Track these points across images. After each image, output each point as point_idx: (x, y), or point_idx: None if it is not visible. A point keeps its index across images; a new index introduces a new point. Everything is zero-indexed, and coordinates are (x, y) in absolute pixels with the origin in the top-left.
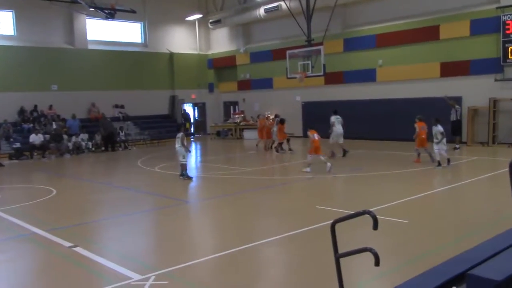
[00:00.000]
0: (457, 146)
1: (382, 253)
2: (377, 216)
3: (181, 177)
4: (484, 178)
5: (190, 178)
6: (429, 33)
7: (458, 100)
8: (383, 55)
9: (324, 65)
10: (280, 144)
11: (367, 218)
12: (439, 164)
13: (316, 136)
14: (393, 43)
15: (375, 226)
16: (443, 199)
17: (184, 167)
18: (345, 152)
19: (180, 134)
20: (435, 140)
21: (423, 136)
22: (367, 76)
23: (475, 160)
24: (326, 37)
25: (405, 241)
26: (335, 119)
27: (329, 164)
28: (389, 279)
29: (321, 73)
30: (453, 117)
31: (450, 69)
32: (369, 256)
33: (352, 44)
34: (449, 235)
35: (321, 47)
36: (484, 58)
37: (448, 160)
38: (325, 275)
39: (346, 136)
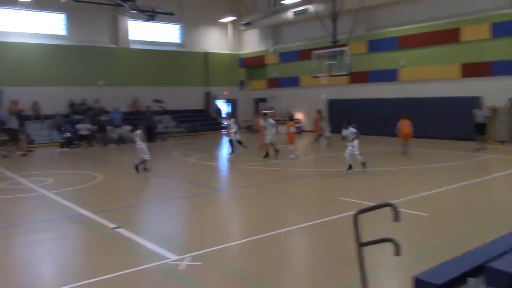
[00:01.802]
0: (479, 147)
1: (402, 243)
2: (399, 209)
3: (144, 170)
4: (504, 175)
5: (148, 170)
6: (450, 36)
7: (477, 100)
8: (405, 56)
9: (348, 65)
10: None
11: (389, 210)
12: (350, 168)
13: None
14: (415, 44)
15: (397, 218)
16: (463, 193)
17: (146, 162)
18: (276, 152)
19: (138, 131)
20: (347, 142)
21: (406, 132)
22: (390, 76)
23: (494, 158)
24: (350, 38)
25: (425, 233)
26: (268, 123)
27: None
28: (409, 268)
29: (346, 73)
30: (480, 118)
31: (470, 70)
32: (390, 246)
33: (376, 45)
34: (468, 228)
35: (346, 48)
36: (504, 60)
37: (363, 164)
38: (346, 263)
39: (370, 133)
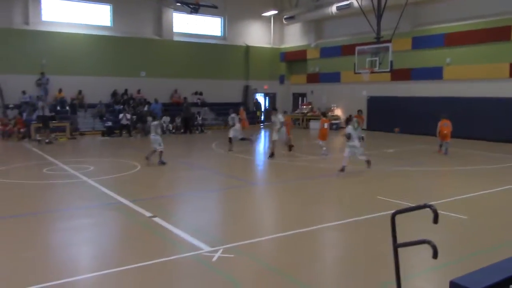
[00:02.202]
0: None
1: (440, 246)
2: (438, 211)
3: (160, 164)
4: None
5: (165, 163)
6: (500, 34)
7: None
8: (451, 54)
9: (391, 62)
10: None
11: (427, 212)
12: (343, 169)
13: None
14: (462, 42)
15: (436, 220)
16: (506, 197)
17: (161, 154)
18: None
19: (155, 123)
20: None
21: (445, 132)
22: (434, 74)
23: None
24: (395, 35)
25: (464, 237)
26: (277, 119)
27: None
28: (445, 272)
29: (388, 70)
30: None
31: None
32: (427, 248)
33: (421, 42)
34: (509, 234)
35: (389, 44)
36: None
37: (368, 162)
38: (381, 263)
39: (412, 132)
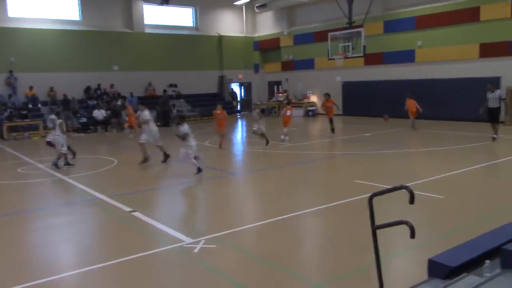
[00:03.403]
0: (494, 136)
1: (417, 226)
2: (414, 191)
3: (53, 166)
4: None
5: (59, 168)
6: (469, 15)
7: (496, 81)
8: (422, 37)
9: (364, 47)
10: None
11: (404, 193)
12: (199, 171)
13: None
14: (432, 24)
15: (412, 201)
16: (479, 176)
17: (62, 155)
18: (166, 157)
19: (59, 121)
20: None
21: (414, 110)
22: (406, 57)
23: None
24: (366, 19)
25: (440, 216)
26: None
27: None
28: (424, 251)
29: (361, 54)
30: (491, 103)
31: (489, 50)
32: (404, 229)
33: (392, 26)
34: (484, 211)
35: (361, 29)
36: None
37: (199, 169)
38: (361, 245)
39: (383, 114)
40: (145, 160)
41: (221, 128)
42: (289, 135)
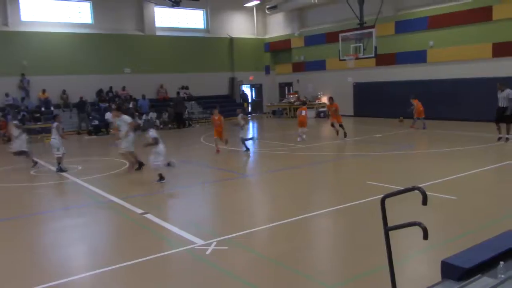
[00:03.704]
0: (502, 136)
1: (430, 227)
2: (426, 192)
3: (58, 172)
4: None
5: (65, 170)
6: (482, 14)
7: (509, 80)
8: (434, 37)
9: (375, 47)
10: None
11: (417, 194)
12: (161, 179)
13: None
14: (444, 24)
15: (425, 202)
16: (493, 177)
17: (59, 159)
18: (140, 165)
19: (55, 124)
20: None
21: (421, 109)
22: (418, 57)
23: None
24: (378, 20)
25: (454, 217)
26: (122, 121)
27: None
28: (437, 252)
29: (373, 55)
30: (501, 102)
31: (502, 50)
32: (417, 230)
33: (404, 26)
34: (498, 212)
35: (373, 29)
36: None
37: (160, 176)
38: (373, 247)
39: (398, 115)
40: (140, 164)
41: (219, 135)
42: (306, 134)
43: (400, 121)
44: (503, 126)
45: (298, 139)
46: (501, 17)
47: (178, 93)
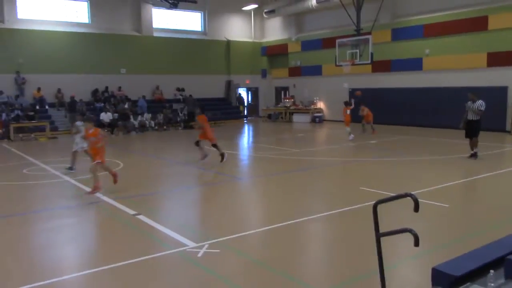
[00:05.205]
0: (476, 151)
1: (421, 234)
2: (419, 199)
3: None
4: None
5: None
6: (478, 24)
7: (503, 90)
8: (430, 45)
9: (371, 54)
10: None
11: (409, 201)
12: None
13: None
14: (440, 33)
15: (416, 209)
16: (485, 185)
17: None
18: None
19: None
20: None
21: (370, 114)
22: (414, 65)
23: None
24: (374, 27)
25: (445, 224)
26: (80, 126)
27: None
28: (428, 259)
29: (369, 61)
30: (471, 115)
31: (497, 59)
32: (409, 237)
33: (400, 34)
34: (489, 220)
35: (369, 36)
36: None
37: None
38: (365, 253)
39: (393, 122)
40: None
41: (204, 136)
42: (351, 133)
43: (357, 94)
44: (471, 141)
45: (350, 137)
46: (497, 27)
47: (190, 95)
